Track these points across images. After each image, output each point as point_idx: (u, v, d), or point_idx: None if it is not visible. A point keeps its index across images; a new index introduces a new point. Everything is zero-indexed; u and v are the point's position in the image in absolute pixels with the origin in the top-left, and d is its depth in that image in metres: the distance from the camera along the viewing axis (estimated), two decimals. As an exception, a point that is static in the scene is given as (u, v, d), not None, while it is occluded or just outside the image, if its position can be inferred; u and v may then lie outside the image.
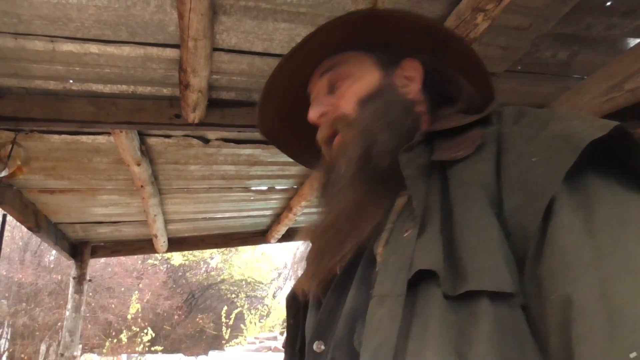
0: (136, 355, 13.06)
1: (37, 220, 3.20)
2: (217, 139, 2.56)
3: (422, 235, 0.55)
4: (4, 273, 13.06)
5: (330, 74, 0.80)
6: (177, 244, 4.38)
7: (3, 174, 2.09)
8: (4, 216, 2.82)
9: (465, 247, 0.52)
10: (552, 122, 0.57)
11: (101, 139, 2.41)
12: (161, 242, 4.10)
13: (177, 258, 14.68)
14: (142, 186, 2.86)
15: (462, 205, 0.56)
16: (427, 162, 0.63)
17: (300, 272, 0.75)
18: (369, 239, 0.64)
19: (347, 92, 0.77)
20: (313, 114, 0.79)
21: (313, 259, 0.69)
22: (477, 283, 0.49)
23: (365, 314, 0.56)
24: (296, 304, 0.77)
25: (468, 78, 0.79)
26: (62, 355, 4.06)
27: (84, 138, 2.39)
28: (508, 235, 0.52)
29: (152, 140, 2.50)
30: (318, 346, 0.61)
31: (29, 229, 3.21)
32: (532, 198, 0.51)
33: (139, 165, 2.54)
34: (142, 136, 2.43)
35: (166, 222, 3.86)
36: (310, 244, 0.73)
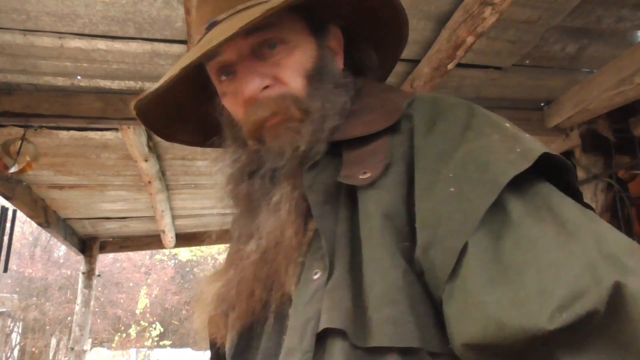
0: (145, 349, 13.16)
1: (46, 216, 3.22)
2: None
3: (331, 278, 0.50)
4: (15, 268, 13.18)
5: (258, 35, 0.61)
6: (185, 239, 4.40)
7: (13, 169, 2.11)
8: (14, 212, 2.85)
9: (370, 294, 0.48)
10: (470, 135, 0.52)
11: (109, 135, 2.42)
12: (169, 237, 4.12)
13: (185, 254, 14.75)
14: (149, 182, 2.88)
15: (367, 243, 0.51)
16: (333, 182, 0.56)
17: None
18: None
19: (288, 63, 0.62)
20: (253, 87, 0.60)
21: (234, 299, 0.61)
22: (381, 338, 0.45)
23: (278, 355, 0.53)
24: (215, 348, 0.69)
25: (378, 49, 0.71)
26: (72, 349, 4.10)
27: (92, 134, 2.41)
28: (420, 273, 0.48)
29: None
30: None
31: (39, 224, 3.23)
32: (446, 236, 0.46)
33: (146, 161, 2.55)
34: (149, 132, 2.44)
35: (174, 217, 3.88)
36: (226, 273, 0.63)
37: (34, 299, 13.48)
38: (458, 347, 0.44)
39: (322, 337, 0.48)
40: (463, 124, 0.54)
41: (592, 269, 0.41)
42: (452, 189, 0.48)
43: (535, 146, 0.50)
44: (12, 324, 13.81)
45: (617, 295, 0.39)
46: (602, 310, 0.39)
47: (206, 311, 0.63)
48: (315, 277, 0.52)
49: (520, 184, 0.48)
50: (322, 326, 0.48)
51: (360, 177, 0.54)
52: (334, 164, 0.58)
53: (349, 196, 0.55)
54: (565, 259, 0.42)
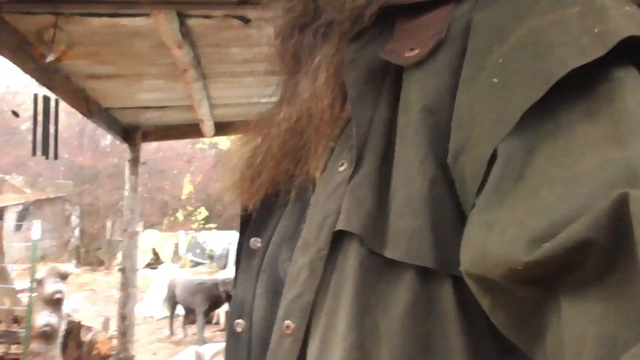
0: (192, 232, 14.04)
1: (88, 106, 3.29)
2: (257, 19, 2.47)
3: (356, 175, 0.46)
4: (66, 156, 13.87)
5: None
6: (223, 128, 4.45)
7: (50, 58, 2.12)
8: (57, 101, 2.91)
9: (394, 198, 0.43)
10: (542, 5, 0.40)
11: (140, 21, 2.37)
12: (208, 126, 4.17)
13: (225, 143, 15.08)
14: (185, 70, 2.85)
15: (401, 138, 0.45)
16: (379, 59, 0.49)
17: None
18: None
19: None
20: None
21: (257, 170, 0.58)
22: (394, 251, 0.41)
23: (290, 242, 0.52)
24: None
25: None
26: (125, 230, 4.40)
27: (123, 21, 2.36)
28: (451, 183, 0.41)
29: (191, 22, 2.44)
30: (254, 243, 0.58)
31: (82, 114, 3.32)
32: (478, 141, 0.39)
33: (180, 48, 2.51)
34: (181, 17, 2.37)
35: (211, 106, 3.90)
36: (255, 143, 0.60)
37: (87, 185, 14.31)
38: (461, 269, 0.38)
39: (339, 237, 0.45)
40: None
41: (613, 184, 0.30)
42: (495, 80, 0.39)
43: (623, 25, 0.36)
44: (70, 208, 14.85)
45: (620, 214, 0.28)
46: (602, 240, 0.29)
47: (233, 174, 0.62)
48: (341, 169, 0.48)
49: (586, 75, 0.36)
50: (338, 226, 0.45)
51: (406, 54, 0.46)
52: (384, 37, 0.51)
53: (396, 78, 0.48)
54: (588, 172, 0.32)
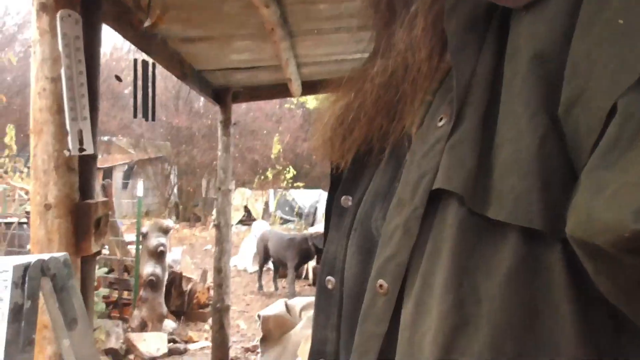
0: (281, 190, 14.46)
1: (182, 69, 3.41)
2: (344, -27, 2.39)
3: (457, 130, 0.42)
4: (164, 118, 14.67)
5: None
6: (310, 87, 4.44)
7: (147, 23, 2.19)
8: (154, 65, 3.04)
9: (499, 155, 0.39)
10: None
11: (229, -18, 2.38)
12: (295, 85, 4.19)
13: (312, 102, 15.16)
14: (272, 29, 2.85)
15: (507, 90, 0.41)
16: (484, 4, 0.45)
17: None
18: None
19: None
20: None
21: (350, 128, 0.56)
22: (498, 211, 0.38)
23: (383, 200, 0.49)
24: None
25: None
26: (219, 189, 4.60)
27: (213, -18, 2.38)
28: (563, 138, 0.37)
29: (278, -20, 2.41)
30: (345, 201, 0.56)
31: (177, 76, 3.44)
32: (596, 91, 0.34)
33: (267, 7, 2.50)
34: (268, -24, 2.35)
35: (298, 65, 3.90)
36: (349, 97, 0.58)
37: (183, 146, 15.11)
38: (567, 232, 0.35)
39: (437, 196, 0.42)
40: None
41: None
42: (620, 21, 0.34)
43: None
44: (168, 167, 15.82)
45: None
46: None
47: (324, 132, 0.60)
48: (440, 124, 0.45)
49: None
50: (436, 185, 0.42)
51: None
52: None
53: (502, 23, 0.44)
54: None
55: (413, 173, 0.45)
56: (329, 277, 0.56)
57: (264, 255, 7.52)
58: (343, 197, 0.57)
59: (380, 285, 0.46)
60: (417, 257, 0.44)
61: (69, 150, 1.66)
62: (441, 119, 0.45)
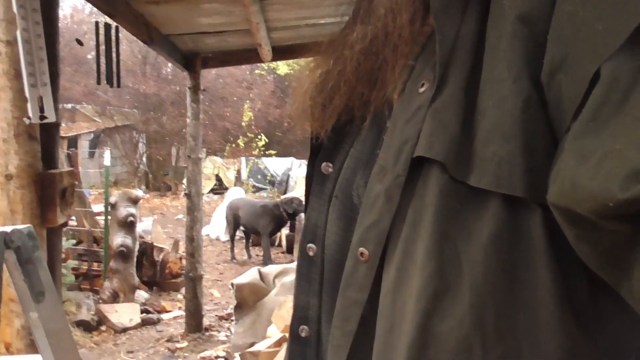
0: (253, 158, 14.37)
1: (148, 33, 3.28)
2: None
3: (439, 96, 0.41)
4: (130, 85, 14.27)
5: None
6: (281, 52, 4.37)
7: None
8: (117, 28, 2.92)
9: (481, 122, 0.39)
10: None
11: (195, -60, 2.27)
12: (266, 51, 4.10)
13: (283, 68, 14.95)
14: (242, -8, 2.76)
15: (491, 55, 0.40)
16: None
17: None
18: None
19: None
20: None
21: (329, 96, 0.54)
22: (480, 179, 0.38)
23: (364, 167, 0.49)
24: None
25: None
26: (189, 157, 4.53)
27: (178, -60, 2.27)
28: (545, 104, 0.36)
29: (247, -62, 2.32)
30: (326, 168, 0.56)
31: (143, 41, 3.32)
32: (580, 56, 0.33)
33: (236, -32, 2.41)
34: None
35: (269, 30, 3.81)
36: (327, 65, 0.56)
37: (152, 113, 14.78)
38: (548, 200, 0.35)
39: (419, 163, 0.42)
40: None
41: None
42: None
43: None
44: (137, 135, 15.49)
45: None
46: None
47: (303, 100, 0.58)
48: (422, 89, 0.44)
49: None
50: (418, 152, 0.41)
51: None
52: None
53: None
54: None
55: (395, 140, 0.45)
56: (310, 245, 0.55)
57: (234, 224, 7.49)
58: (324, 164, 0.56)
59: (362, 253, 0.46)
60: (398, 224, 0.43)
61: (29, 117, 1.59)
62: (423, 85, 0.44)
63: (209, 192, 13.02)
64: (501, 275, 0.37)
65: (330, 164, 0.56)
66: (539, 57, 0.37)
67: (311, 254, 0.55)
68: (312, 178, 0.58)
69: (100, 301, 4.95)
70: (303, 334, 0.56)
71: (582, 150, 0.31)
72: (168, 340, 4.46)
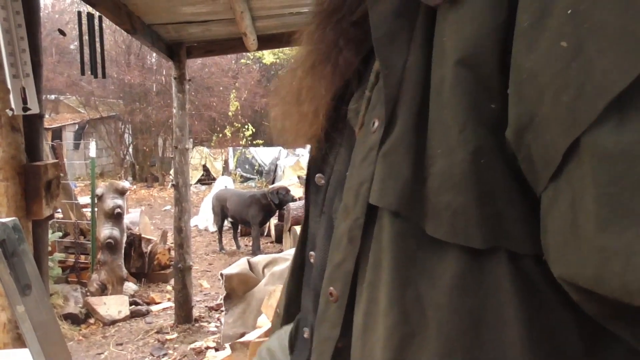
0: (240, 147, 14.30)
1: (131, 22, 3.24)
2: None
3: (389, 137, 0.39)
4: (115, 75, 14.08)
5: None
6: (266, 41, 4.33)
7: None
8: (100, 18, 2.88)
9: (432, 167, 0.36)
10: None
11: None
12: (251, 40, 4.07)
13: (269, 57, 14.85)
14: (226, -20, 2.73)
15: (436, 98, 0.36)
16: None
17: None
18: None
19: None
20: None
21: (308, 109, 0.53)
22: (436, 229, 0.36)
23: (342, 190, 0.47)
24: None
25: None
26: (176, 147, 4.49)
27: None
28: (501, 148, 0.34)
29: None
30: (319, 179, 0.56)
31: (126, 30, 3.28)
32: (548, 122, 0.30)
33: (220, -45, 2.38)
34: None
35: (254, 19, 3.78)
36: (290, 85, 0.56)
37: (137, 103, 14.61)
38: (553, 272, 0.33)
39: (375, 206, 0.41)
40: None
41: None
42: (563, 44, 0.29)
43: None
44: (122, 126, 15.33)
45: None
46: None
47: (285, 114, 0.58)
48: (373, 128, 0.42)
49: None
50: (372, 200, 0.40)
51: None
52: None
53: (429, 15, 0.39)
54: None
55: (353, 179, 0.44)
56: (311, 252, 0.56)
57: (222, 215, 7.45)
58: (317, 175, 0.56)
59: (331, 293, 0.46)
60: (362, 266, 0.43)
61: (11, 109, 1.56)
62: (374, 123, 0.42)
63: (196, 183, 12.96)
64: (467, 318, 0.36)
65: (323, 175, 0.55)
66: (486, 101, 0.34)
67: (312, 260, 0.56)
68: (310, 188, 0.59)
69: (88, 294, 4.92)
70: (305, 335, 0.57)
71: (616, 242, 0.27)
72: (157, 332, 4.46)
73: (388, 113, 0.39)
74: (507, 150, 0.34)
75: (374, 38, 0.41)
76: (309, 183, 0.59)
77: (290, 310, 0.62)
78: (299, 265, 0.61)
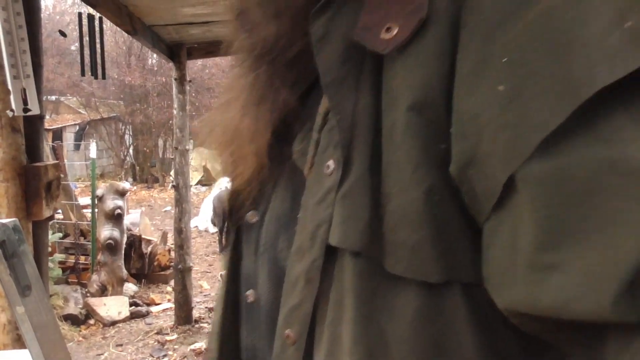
0: (241, 149, 14.27)
1: (132, 23, 3.25)
2: None
3: (346, 179, 0.40)
4: (116, 76, 14.10)
5: None
6: (268, 43, 4.34)
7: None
8: (101, 19, 2.88)
9: (388, 205, 0.38)
10: None
11: None
12: (252, 41, 4.08)
13: (270, 58, 14.83)
14: (227, -19, 2.74)
15: (388, 140, 0.38)
16: (352, 37, 0.40)
17: None
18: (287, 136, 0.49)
19: None
20: None
21: (240, 145, 0.52)
22: (395, 265, 0.37)
23: (286, 230, 0.47)
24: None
25: None
26: (176, 148, 4.50)
27: None
28: (451, 185, 0.36)
29: None
30: (251, 217, 0.54)
31: (127, 32, 3.28)
32: (488, 158, 0.33)
33: (221, -43, 2.39)
34: None
35: (255, 20, 3.79)
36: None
37: (137, 104, 14.62)
38: (495, 301, 0.35)
39: (334, 247, 0.41)
40: None
41: None
42: (500, 88, 0.32)
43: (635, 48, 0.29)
44: (123, 127, 15.34)
45: None
46: None
47: (218, 145, 0.55)
48: (329, 171, 0.42)
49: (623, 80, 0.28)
50: (333, 242, 0.40)
51: (382, 35, 0.38)
52: (353, 13, 0.41)
53: (376, 60, 0.40)
54: None
55: (309, 221, 0.43)
56: (248, 292, 0.54)
57: (222, 216, 7.43)
58: (250, 212, 0.54)
59: (288, 336, 0.45)
60: (322, 306, 0.43)
61: (12, 110, 1.57)
62: (329, 166, 0.42)
63: (196, 184, 12.96)
64: (429, 348, 0.37)
65: (256, 213, 0.53)
66: (436, 142, 0.36)
67: (251, 299, 0.54)
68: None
69: (88, 294, 4.92)
70: None
71: (553, 268, 0.30)
72: (157, 333, 4.45)
73: (344, 156, 0.40)
74: (455, 186, 0.36)
75: (324, 83, 0.41)
76: (234, 218, 0.57)
77: (224, 350, 0.58)
78: (232, 303, 0.58)
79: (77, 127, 15.27)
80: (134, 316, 4.82)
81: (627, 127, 0.29)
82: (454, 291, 0.37)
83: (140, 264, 5.70)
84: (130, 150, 15.44)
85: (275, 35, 0.48)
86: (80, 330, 4.51)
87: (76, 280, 5.18)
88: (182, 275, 4.50)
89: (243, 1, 0.53)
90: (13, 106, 1.56)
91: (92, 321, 4.67)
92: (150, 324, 4.70)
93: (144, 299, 5.25)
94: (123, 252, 5.28)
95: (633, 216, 0.27)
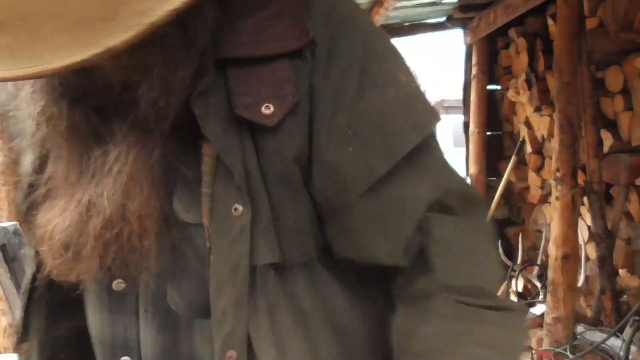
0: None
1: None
2: None
3: (258, 220, 0.52)
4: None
5: None
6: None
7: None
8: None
9: (282, 224, 0.53)
10: (367, 83, 0.54)
11: None
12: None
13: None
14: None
15: (275, 182, 0.53)
16: (229, 107, 0.51)
17: None
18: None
19: None
20: None
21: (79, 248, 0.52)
22: (292, 259, 0.54)
23: (173, 281, 0.54)
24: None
25: None
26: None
27: None
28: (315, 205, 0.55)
29: None
30: (118, 285, 0.55)
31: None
32: (340, 192, 0.54)
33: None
34: None
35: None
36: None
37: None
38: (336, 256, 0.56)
39: (254, 269, 0.52)
40: (360, 65, 0.54)
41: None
42: (350, 149, 0.53)
43: (425, 118, 0.56)
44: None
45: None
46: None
47: (51, 249, 0.53)
48: (236, 213, 0.51)
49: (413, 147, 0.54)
50: (261, 262, 0.52)
51: (263, 111, 0.51)
52: (221, 84, 0.52)
53: (250, 127, 0.52)
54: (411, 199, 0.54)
55: (227, 259, 0.51)
56: (124, 358, 0.56)
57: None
58: (115, 281, 0.55)
59: (230, 356, 0.51)
60: (253, 319, 0.52)
61: (12, 113, 1.57)
62: (236, 209, 0.51)
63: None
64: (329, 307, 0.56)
65: (122, 281, 0.55)
66: (308, 178, 0.55)
67: None
68: (95, 294, 0.58)
69: (89, 298, 4.90)
70: None
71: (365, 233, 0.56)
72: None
73: (250, 198, 0.51)
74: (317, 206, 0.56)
75: (217, 149, 0.51)
76: (83, 291, 0.58)
77: None
78: None
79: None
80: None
81: (407, 174, 0.54)
82: (322, 265, 0.56)
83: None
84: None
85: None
86: (80, 334, 4.50)
87: (76, 284, 5.16)
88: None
89: None
90: (14, 110, 1.57)
91: (92, 324, 4.65)
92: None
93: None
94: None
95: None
